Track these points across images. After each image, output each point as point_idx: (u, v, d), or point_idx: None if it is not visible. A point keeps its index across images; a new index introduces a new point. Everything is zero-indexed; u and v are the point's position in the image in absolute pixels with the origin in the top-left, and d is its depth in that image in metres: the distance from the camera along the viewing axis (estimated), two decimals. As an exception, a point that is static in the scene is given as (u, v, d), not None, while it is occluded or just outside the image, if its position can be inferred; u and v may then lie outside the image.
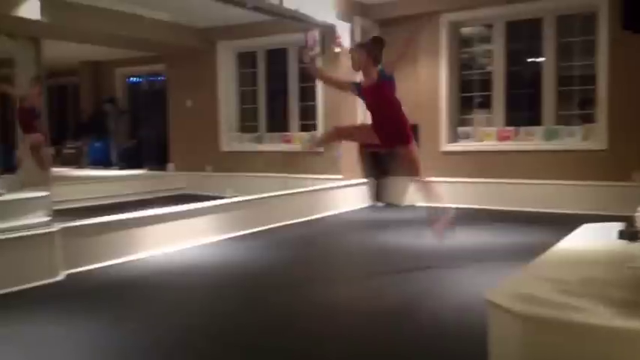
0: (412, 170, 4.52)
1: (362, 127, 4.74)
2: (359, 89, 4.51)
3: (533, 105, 7.82)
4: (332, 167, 8.30)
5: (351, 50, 4.61)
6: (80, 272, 4.52)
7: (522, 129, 7.78)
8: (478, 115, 8.34)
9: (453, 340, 3.03)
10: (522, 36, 7.95)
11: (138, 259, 4.95)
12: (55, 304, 3.82)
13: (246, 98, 10.02)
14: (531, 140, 7.69)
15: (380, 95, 4.37)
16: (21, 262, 4.16)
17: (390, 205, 8.30)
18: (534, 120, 7.78)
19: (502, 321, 2.19)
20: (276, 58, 9.64)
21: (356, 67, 4.43)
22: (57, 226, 4.51)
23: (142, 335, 3.19)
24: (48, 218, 4.95)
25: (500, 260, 4.77)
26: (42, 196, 6.80)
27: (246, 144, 9.80)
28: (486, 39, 8.23)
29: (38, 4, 6.53)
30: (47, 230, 4.46)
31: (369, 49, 4.40)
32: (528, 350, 2.08)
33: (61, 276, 4.37)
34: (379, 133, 4.46)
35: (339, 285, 4.42)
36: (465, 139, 8.23)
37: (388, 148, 4.57)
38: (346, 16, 8.03)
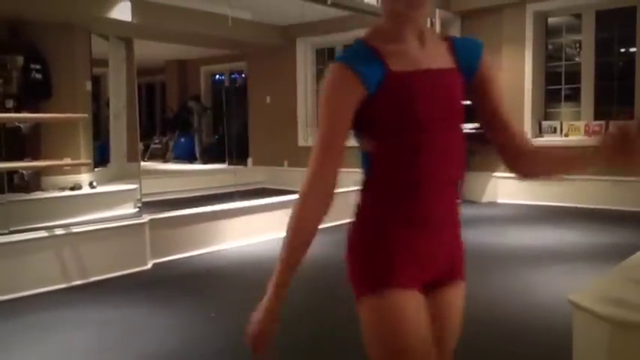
0: None
1: None
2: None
3: (624, 98, 7.39)
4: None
5: None
6: (165, 262, 4.74)
7: (613, 123, 7.37)
8: (565, 109, 7.98)
9: (535, 344, 2.94)
10: (613, 25, 7.52)
11: (218, 250, 5.12)
12: (145, 291, 4.05)
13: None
14: (623, 135, 7.26)
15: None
16: (115, 251, 4.43)
17: (467, 202, 8.11)
18: (625, 114, 7.35)
19: (587, 325, 2.10)
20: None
21: None
22: (146, 218, 4.76)
23: (218, 323, 3.31)
24: (137, 210, 5.23)
25: (586, 261, 4.56)
26: (131, 189, 7.21)
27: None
28: (574, 29, 7.84)
29: (129, 6, 6.87)
30: (139, 221, 4.72)
31: None
32: (616, 357, 1.99)
33: (149, 265, 4.62)
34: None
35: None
36: (550, 133, 7.90)
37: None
38: (426, 9, 7.86)
